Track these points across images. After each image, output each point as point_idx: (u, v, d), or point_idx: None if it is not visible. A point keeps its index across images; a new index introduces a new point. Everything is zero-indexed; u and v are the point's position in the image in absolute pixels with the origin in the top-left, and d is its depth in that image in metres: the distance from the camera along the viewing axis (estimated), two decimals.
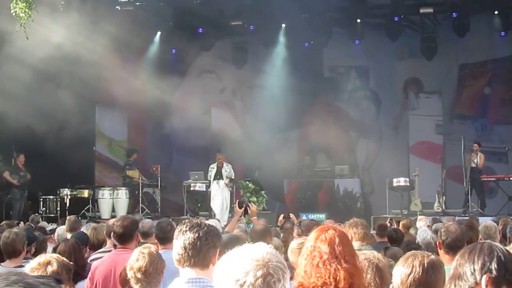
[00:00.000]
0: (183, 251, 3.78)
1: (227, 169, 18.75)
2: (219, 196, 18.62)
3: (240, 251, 2.47)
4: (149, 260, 4.97)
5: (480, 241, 3.22)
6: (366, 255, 4.15)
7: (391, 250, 7.12)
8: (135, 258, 5.02)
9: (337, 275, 3.30)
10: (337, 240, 3.41)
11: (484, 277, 2.95)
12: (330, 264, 3.34)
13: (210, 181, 19.04)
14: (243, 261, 2.40)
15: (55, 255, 4.71)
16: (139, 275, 4.95)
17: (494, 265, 2.96)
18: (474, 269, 2.98)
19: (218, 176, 18.78)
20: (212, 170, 18.91)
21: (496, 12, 21.74)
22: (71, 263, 5.08)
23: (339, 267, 3.32)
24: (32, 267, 4.53)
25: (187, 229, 3.85)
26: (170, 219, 8.19)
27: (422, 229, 9.64)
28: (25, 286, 1.73)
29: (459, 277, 3.02)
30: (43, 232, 10.08)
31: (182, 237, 3.83)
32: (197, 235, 3.80)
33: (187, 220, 3.98)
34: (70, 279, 4.74)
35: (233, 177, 18.92)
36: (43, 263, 4.53)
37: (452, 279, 3.07)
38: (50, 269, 4.48)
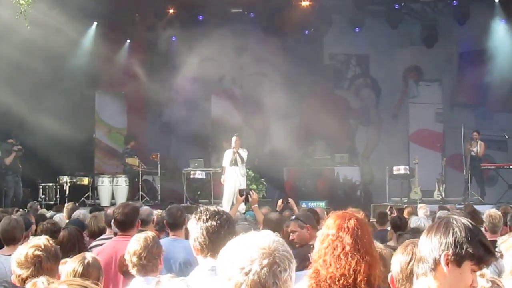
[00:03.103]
0: (206, 240, 3.75)
1: (242, 154, 17.62)
2: (233, 183, 17.38)
3: (246, 239, 2.44)
4: (144, 244, 5.03)
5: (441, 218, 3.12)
6: None
7: (403, 237, 7.12)
8: (132, 243, 5.11)
9: (357, 268, 3.27)
10: (359, 231, 3.36)
11: (442, 256, 2.89)
12: (352, 256, 3.29)
13: (224, 167, 17.79)
14: (249, 248, 2.37)
15: (42, 244, 4.65)
16: (134, 259, 4.99)
17: (450, 243, 2.89)
18: (432, 249, 2.92)
19: (234, 161, 17.57)
20: (228, 155, 17.70)
21: (496, 0, 21.68)
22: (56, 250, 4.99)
23: (361, 259, 3.29)
24: (20, 259, 4.52)
25: (208, 217, 3.81)
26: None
27: (414, 218, 9.71)
28: None
29: (421, 259, 2.97)
30: (43, 219, 10.05)
31: (203, 225, 3.78)
32: (219, 222, 3.76)
33: (203, 208, 3.93)
34: (58, 267, 4.67)
35: (243, 160, 17.63)
36: (31, 258, 4.50)
37: (417, 262, 3.02)
38: (38, 265, 4.46)
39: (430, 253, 2.92)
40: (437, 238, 2.92)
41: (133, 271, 5.04)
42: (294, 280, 2.42)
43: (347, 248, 3.30)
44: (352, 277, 3.23)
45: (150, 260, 5.04)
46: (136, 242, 5.10)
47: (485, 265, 2.98)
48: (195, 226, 3.83)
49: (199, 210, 3.95)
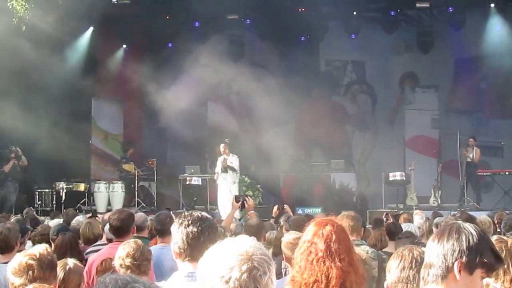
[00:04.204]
0: (185, 245, 3.74)
1: (232, 160, 17.99)
2: (223, 190, 17.89)
3: (223, 246, 2.42)
4: (135, 246, 5.10)
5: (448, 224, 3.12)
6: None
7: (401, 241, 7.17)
8: (121, 248, 5.14)
9: (329, 273, 3.29)
10: (334, 237, 3.38)
11: (456, 263, 2.87)
12: (323, 262, 3.32)
13: (217, 174, 18.23)
14: (226, 256, 2.36)
15: (37, 253, 4.66)
16: (128, 261, 5.00)
17: (464, 250, 2.87)
18: (444, 256, 2.90)
19: (223, 168, 18.01)
20: (219, 162, 18.16)
21: (492, 5, 21.74)
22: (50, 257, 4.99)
23: (332, 265, 3.30)
24: (14, 267, 4.54)
25: (189, 222, 3.80)
26: (171, 212, 8.20)
27: (405, 224, 9.79)
28: None
29: (432, 265, 2.95)
30: (36, 222, 10.06)
31: (184, 230, 3.78)
32: (200, 229, 3.75)
33: (187, 213, 3.92)
34: (55, 275, 4.68)
35: (235, 168, 18.04)
36: (24, 267, 4.51)
37: (425, 267, 3.00)
38: (31, 274, 4.48)
39: (443, 259, 2.91)
40: (449, 245, 2.91)
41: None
42: (275, 282, 2.41)
43: (320, 254, 3.33)
44: (324, 283, 3.24)
45: (143, 261, 5.07)
46: (126, 246, 5.15)
47: (493, 273, 3.00)
48: (177, 230, 3.83)
49: (183, 214, 3.95)
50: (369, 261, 4.25)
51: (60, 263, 4.79)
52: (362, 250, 6.07)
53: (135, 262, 5.00)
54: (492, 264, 2.91)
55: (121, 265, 5.06)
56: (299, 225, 6.66)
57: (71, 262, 4.86)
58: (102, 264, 5.46)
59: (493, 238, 4.04)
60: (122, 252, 5.09)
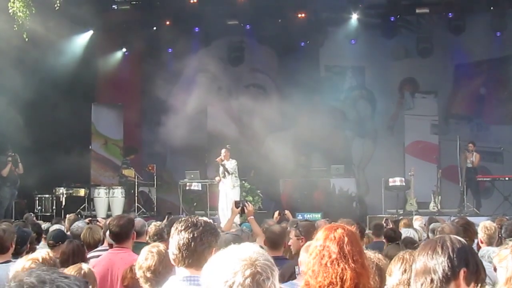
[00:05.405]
0: (178, 252, 3.73)
1: (228, 165, 17.89)
2: (223, 195, 17.84)
3: (227, 252, 2.45)
4: (158, 259, 4.90)
5: (440, 237, 3.22)
6: (367, 254, 4.18)
7: (389, 248, 7.18)
8: (144, 257, 4.94)
9: (344, 275, 3.32)
10: (346, 239, 3.41)
11: (461, 271, 2.98)
12: (338, 264, 3.34)
13: (219, 177, 18.12)
14: (230, 261, 2.39)
15: (40, 257, 4.66)
16: (148, 274, 4.87)
17: (470, 260, 3.01)
18: (451, 264, 3.00)
19: (223, 173, 17.93)
20: (220, 167, 18.06)
21: (492, 9, 21.77)
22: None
23: (346, 266, 3.33)
24: (17, 271, 4.53)
25: (182, 228, 3.78)
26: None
27: (404, 230, 9.81)
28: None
29: (434, 271, 3.02)
30: (37, 227, 10.05)
31: (177, 237, 3.76)
32: (191, 235, 3.73)
33: (183, 219, 3.92)
34: None
35: (230, 171, 17.86)
36: (27, 269, 4.50)
37: (424, 273, 3.07)
38: None
39: (450, 267, 3.01)
40: (456, 255, 3.02)
41: (145, 286, 4.95)
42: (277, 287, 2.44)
43: (333, 256, 3.36)
44: (339, 285, 3.27)
45: (164, 275, 4.93)
46: (150, 256, 4.93)
47: None
48: (172, 238, 3.83)
49: (179, 220, 3.94)
50: (385, 266, 4.27)
51: (75, 268, 4.76)
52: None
53: (157, 278, 4.90)
54: (483, 281, 3.06)
55: (141, 276, 4.95)
56: (309, 231, 6.65)
57: (85, 266, 4.83)
58: (133, 270, 5.34)
59: (511, 244, 4.08)
60: (144, 262, 4.89)
